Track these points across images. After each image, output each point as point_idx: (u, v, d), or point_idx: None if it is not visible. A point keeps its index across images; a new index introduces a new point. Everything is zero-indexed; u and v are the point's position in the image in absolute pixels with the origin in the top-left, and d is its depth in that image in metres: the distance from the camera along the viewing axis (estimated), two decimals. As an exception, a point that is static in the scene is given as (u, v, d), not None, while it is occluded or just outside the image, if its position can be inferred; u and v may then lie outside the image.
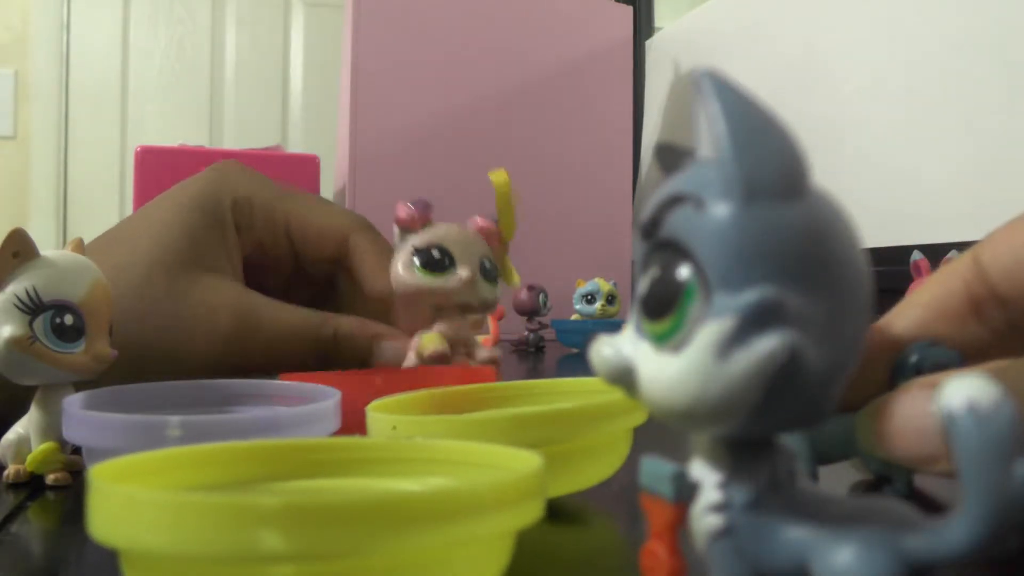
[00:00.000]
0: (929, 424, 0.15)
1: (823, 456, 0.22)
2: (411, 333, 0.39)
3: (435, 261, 0.37)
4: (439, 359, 0.37)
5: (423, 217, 0.38)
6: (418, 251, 0.37)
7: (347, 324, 0.40)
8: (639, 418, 0.25)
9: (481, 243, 0.39)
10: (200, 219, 0.39)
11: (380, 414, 0.24)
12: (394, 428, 0.24)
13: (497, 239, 0.40)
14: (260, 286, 0.41)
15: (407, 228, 0.38)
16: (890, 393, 0.17)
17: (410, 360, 0.38)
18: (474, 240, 0.39)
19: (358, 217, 0.43)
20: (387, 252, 0.39)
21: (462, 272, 0.37)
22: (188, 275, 0.38)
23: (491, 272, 0.39)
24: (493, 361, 0.39)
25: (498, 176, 0.41)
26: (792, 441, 0.22)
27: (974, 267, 0.20)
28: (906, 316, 0.21)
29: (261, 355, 0.38)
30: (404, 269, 0.37)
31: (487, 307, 0.39)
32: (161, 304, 0.37)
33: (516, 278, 0.42)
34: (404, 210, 0.38)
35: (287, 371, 0.38)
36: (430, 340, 0.37)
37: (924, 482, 0.27)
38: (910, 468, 0.18)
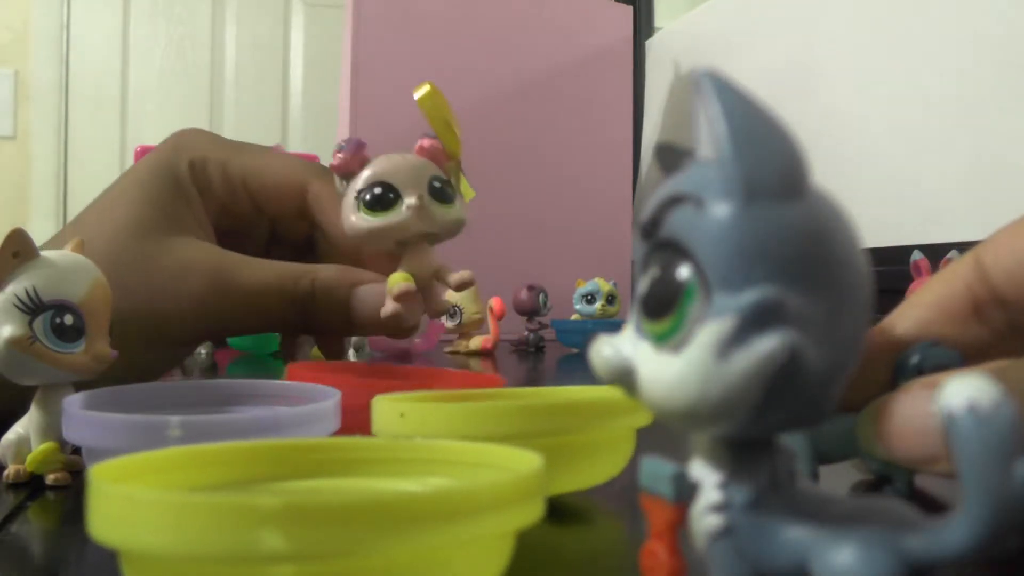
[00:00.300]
0: (930, 424, 0.15)
1: (824, 456, 0.22)
2: (387, 276, 0.37)
3: (379, 198, 0.35)
4: (406, 296, 0.35)
5: (357, 157, 0.36)
6: (360, 192, 0.35)
7: (325, 273, 0.38)
8: (643, 418, 0.25)
9: (427, 165, 0.36)
10: (161, 184, 0.39)
11: (388, 402, 0.24)
12: (402, 415, 0.24)
13: (444, 157, 0.38)
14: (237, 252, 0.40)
15: (345, 173, 0.36)
16: (891, 393, 0.17)
17: (388, 306, 0.36)
18: (418, 164, 0.36)
19: (315, 166, 0.42)
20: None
21: (409, 201, 0.35)
22: (155, 239, 0.37)
23: (443, 192, 0.36)
24: (467, 281, 0.37)
25: (419, 90, 0.39)
26: (793, 441, 0.22)
27: (976, 269, 0.20)
28: (908, 317, 0.21)
29: (238, 313, 0.38)
30: (352, 214, 0.36)
31: (450, 230, 0.37)
32: (131, 269, 0.36)
33: (470, 192, 0.40)
34: (337, 156, 0.36)
35: (266, 328, 0.37)
36: (395, 280, 0.35)
37: (924, 482, 0.27)
38: (910, 468, 0.18)
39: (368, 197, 0.35)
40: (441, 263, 0.37)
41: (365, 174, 0.36)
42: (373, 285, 0.38)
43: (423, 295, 0.37)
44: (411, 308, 0.36)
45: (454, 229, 0.37)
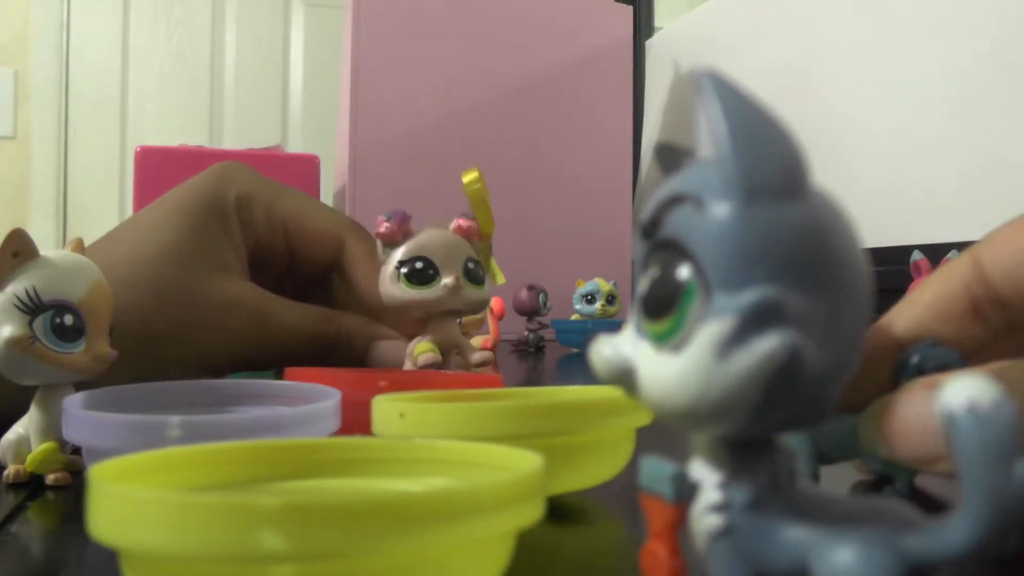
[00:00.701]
0: (931, 424, 0.15)
1: (825, 456, 0.22)
2: (407, 336, 0.40)
3: (419, 272, 0.38)
4: (429, 366, 0.38)
5: (402, 229, 0.39)
6: (402, 264, 0.38)
7: (349, 323, 0.41)
8: (643, 418, 0.25)
9: (464, 245, 0.40)
10: (206, 217, 0.40)
11: (388, 402, 0.25)
12: (402, 415, 0.24)
13: (477, 237, 0.40)
14: (256, 281, 0.41)
15: (389, 242, 0.39)
16: (892, 393, 0.17)
17: (406, 367, 0.39)
18: (456, 243, 0.39)
19: (352, 221, 0.44)
20: (377, 257, 0.40)
21: (447, 280, 0.38)
22: (199, 271, 0.38)
23: (476, 273, 0.40)
24: (486, 362, 0.39)
25: (468, 175, 0.41)
26: (794, 441, 0.22)
27: (974, 268, 0.20)
28: (906, 317, 0.21)
29: (273, 350, 0.40)
30: (391, 283, 0.38)
31: (476, 309, 0.40)
32: (174, 298, 0.37)
33: (500, 277, 0.43)
34: (384, 225, 0.39)
35: (290, 365, 0.39)
36: (422, 349, 0.38)
37: (924, 482, 0.27)
38: (911, 468, 0.18)
39: (408, 271, 0.38)
40: (462, 339, 0.40)
41: (408, 246, 0.39)
42: (392, 342, 0.41)
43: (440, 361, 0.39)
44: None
45: (477, 309, 0.40)
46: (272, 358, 0.40)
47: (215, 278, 0.39)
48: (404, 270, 0.38)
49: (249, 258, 0.42)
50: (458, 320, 0.41)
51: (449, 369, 0.40)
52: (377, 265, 0.39)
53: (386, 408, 0.24)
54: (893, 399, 0.17)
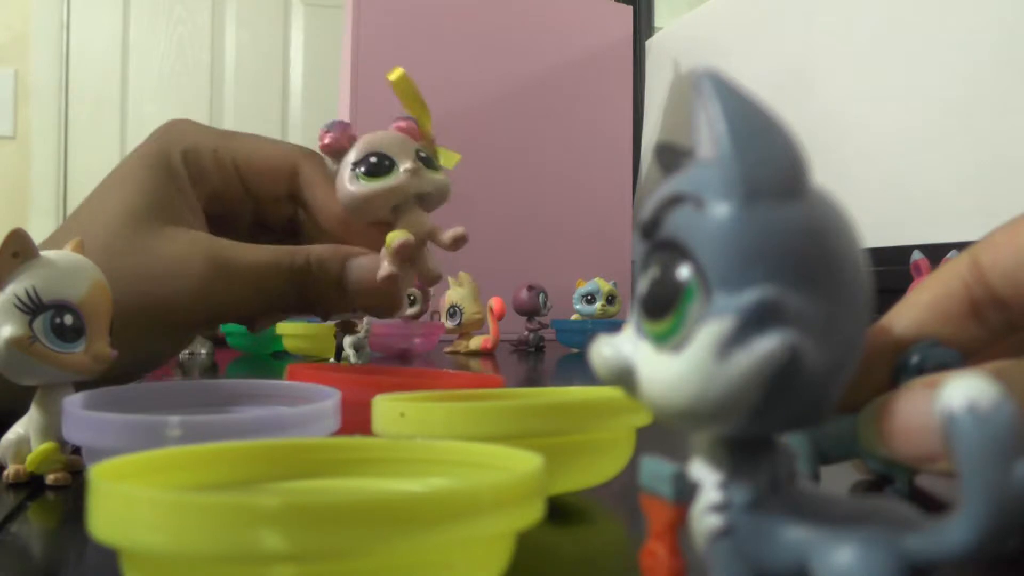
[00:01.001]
0: (930, 423, 0.15)
1: (825, 456, 0.22)
2: (377, 250, 0.39)
3: (375, 165, 0.37)
4: (406, 248, 0.37)
5: (346, 134, 0.38)
6: (357, 163, 0.38)
7: (318, 250, 0.40)
8: (643, 418, 0.25)
9: (411, 140, 0.39)
10: (153, 174, 0.39)
11: (388, 402, 0.25)
12: (402, 415, 0.24)
13: (419, 134, 0.40)
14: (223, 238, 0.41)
15: (336, 151, 0.39)
16: (892, 392, 0.17)
17: (384, 268, 0.37)
18: (403, 138, 0.39)
19: (303, 148, 0.44)
20: (334, 178, 0.39)
21: (406, 165, 0.37)
22: (151, 228, 0.38)
23: (429, 160, 0.39)
24: (460, 238, 0.38)
25: (394, 75, 0.41)
26: (794, 441, 0.22)
27: (974, 269, 0.20)
28: (906, 317, 0.21)
29: (239, 293, 0.39)
30: (351, 183, 0.38)
31: (441, 191, 0.39)
32: (128, 259, 0.37)
33: (454, 157, 0.43)
34: (327, 136, 0.38)
35: (265, 307, 0.39)
36: (394, 234, 0.37)
37: (924, 482, 0.27)
38: (911, 467, 0.18)
39: (364, 167, 0.37)
40: (433, 224, 0.39)
41: (358, 147, 0.38)
42: (367, 256, 0.39)
43: (416, 259, 0.38)
44: (405, 273, 0.38)
45: (444, 192, 0.40)
46: (246, 303, 0.39)
47: (165, 232, 0.38)
48: (361, 168, 0.37)
49: (211, 213, 0.42)
50: (424, 211, 0.40)
51: (424, 263, 0.39)
52: (333, 186, 0.39)
53: (386, 408, 0.24)
54: (892, 398, 0.17)
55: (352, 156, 0.38)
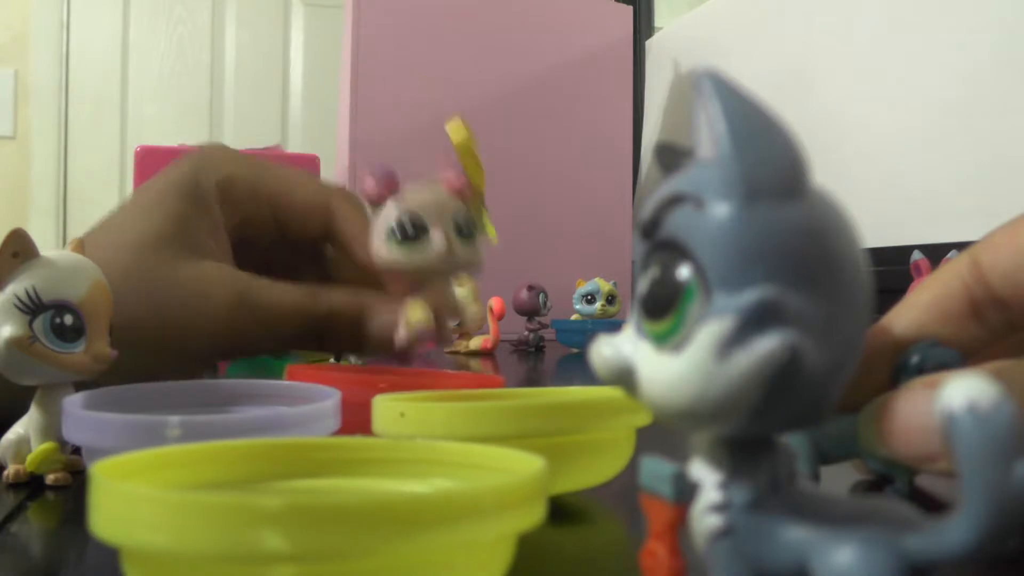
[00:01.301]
0: (931, 423, 0.15)
1: (825, 456, 0.22)
2: (401, 299, 0.39)
3: (407, 232, 0.37)
4: (424, 332, 0.37)
5: (388, 187, 0.38)
6: (390, 223, 0.37)
7: (338, 299, 0.40)
8: (643, 418, 0.25)
9: (453, 201, 0.39)
10: (183, 202, 0.39)
11: (388, 402, 0.25)
12: (402, 415, 0.24)
13: (469, 193, 0.40)
14: (244, 255, 0.41)
15: (376, 201, 0.38)
16: (891, 392, 0.17)
17: (400, 333, 0.38)
18: (445, 200, 0.38)
19: (340, 188, 0.44)
20: (368, 219, 0.39)
21: (436, 239, 0.37)
22: (176, 256, 0.38)
23: (466, 230, 0.38)
24: (479, 317, 0.39)
25: (454, 127, 0.41)
26: (794, 441, 0.22)
27: (974, 269, 0.20)
28: (906, 318, 0.21)
29: (258, 332, 0.39)
30: (381, 244, 0.37)
31: (469, 267, 0.39)
32: (152, 285, 0.37)
33: (493, 234, 0.42)
34: (370, 184, 0.38)
35: (281, 347, 0.38)
36: (416, 317, 0.37)
37: (924, 482, 0.27)
38: (912, 467, 0.18)
39: (398, 232, 0.37)
40: (456, 300, 0.40)
41: (398, 204, 0.38)
42: (387, 309, 0.40)
43: (434, 325, 0.39)
44: (422, 339, 0.39)
45: (473, 266, 0.39)
46: (259, 340, 0.39)
47: (189, 262, 0.38)
48: (392, 230, 0.37)
49: (235, 236, 0.41)
50: (450, 281, 0.41)
51: (441, 329, 0.39)
52: (367, 225, 0.39)
53: (387, 408, 0.24)
54: (892, 398, 0.17)
55: (390, 213, 0.38)
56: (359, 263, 0.41)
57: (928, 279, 0.22)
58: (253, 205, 0.41)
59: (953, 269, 0.21)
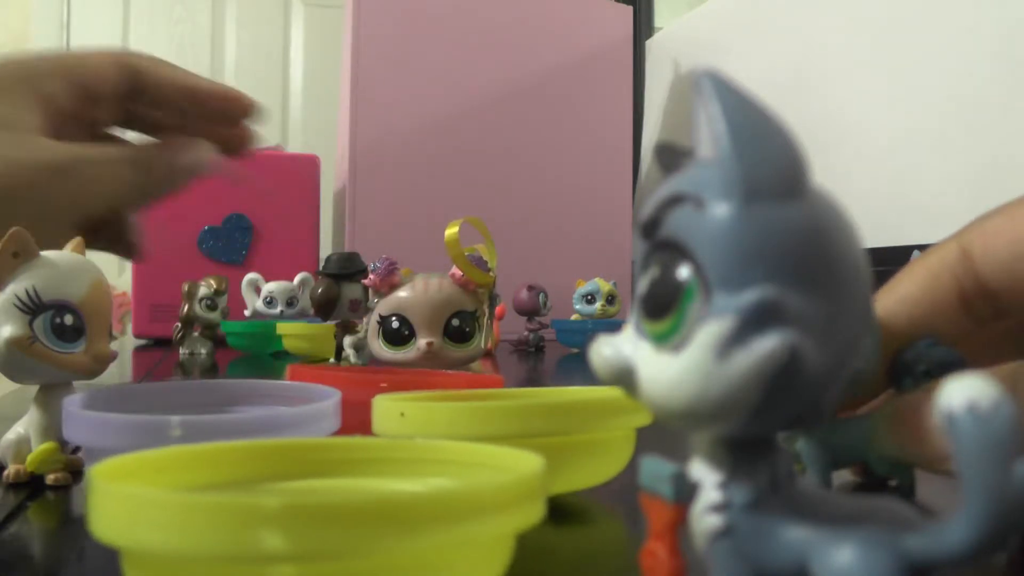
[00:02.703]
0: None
1: (836, 462, 0.22)
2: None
3: (394, 333, 0.39)
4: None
5: (386, 282, 0.39)
6: (381, 320, 0.38)
7: (146, 149, 0.40)
8: (643, 418, 0.25)
9: (453, 299, 0.39)
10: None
11: (389, 401, 0.25)
12: (402, 415, 0.24)
13: (472, 286, 0.40)
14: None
15: (376, 291, 0.39)
16: (911, 395, 0.17)
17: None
18: (441, 300, 0.39)
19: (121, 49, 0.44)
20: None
21: (420, 344, 0.38)
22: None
23: (461, 331, 0.39)
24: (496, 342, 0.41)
25: (447, 232, 0.42)
26: (805, 449, 0.22)
27: (964, 261, 0.20)
28: (897, 312, 0.21)
29: (70, 201, 0.38)
30: (372, 338, 0.39)
31: (462, 366, 0.40)
32: None
33: (494, 262, 0.43)
34: (372, 273, 0.40)
35: (102, 214, 0.38)
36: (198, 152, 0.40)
37: (924, 482, 0.27)
38: (931, 469, 0.18)
39: (386, 329, 0.39)
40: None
41: (388, 302, 0.39)
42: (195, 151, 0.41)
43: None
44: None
45: (465, 364, 0.40)
46: (75, 210, 0.39)
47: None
48: (383, 330, 0.39)
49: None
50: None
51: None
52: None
53: (387, 407, 0.24)
54: (915, 400, 0.17)
55: (382, 306, 0.39)
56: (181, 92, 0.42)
57: (913, 267, 0.22)
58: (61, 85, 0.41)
59: (942, 259, 0.21)
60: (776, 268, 0.13)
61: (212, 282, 0.81)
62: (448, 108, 1.13)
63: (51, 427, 0.28)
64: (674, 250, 0.14)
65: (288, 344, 0.77)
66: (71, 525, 0.25)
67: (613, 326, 0.85)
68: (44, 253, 0.29)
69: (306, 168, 1.10)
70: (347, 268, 0.58)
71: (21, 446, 0.29)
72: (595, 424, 0.25)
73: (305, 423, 0.25)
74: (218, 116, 0.43)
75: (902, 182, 0.87)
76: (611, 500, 0.27)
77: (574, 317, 0.97)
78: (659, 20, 1.45)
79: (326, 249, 1.18)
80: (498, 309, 0.89)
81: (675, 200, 0.14)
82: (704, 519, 0.14)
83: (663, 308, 0.14)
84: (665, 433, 0.18)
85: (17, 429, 0.29)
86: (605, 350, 0.15)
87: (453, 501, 0.14)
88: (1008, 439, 0.11)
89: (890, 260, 0.55)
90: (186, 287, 0.80)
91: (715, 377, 0.13)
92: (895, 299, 0.21)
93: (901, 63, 0.88)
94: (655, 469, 0.15)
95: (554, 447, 0.23)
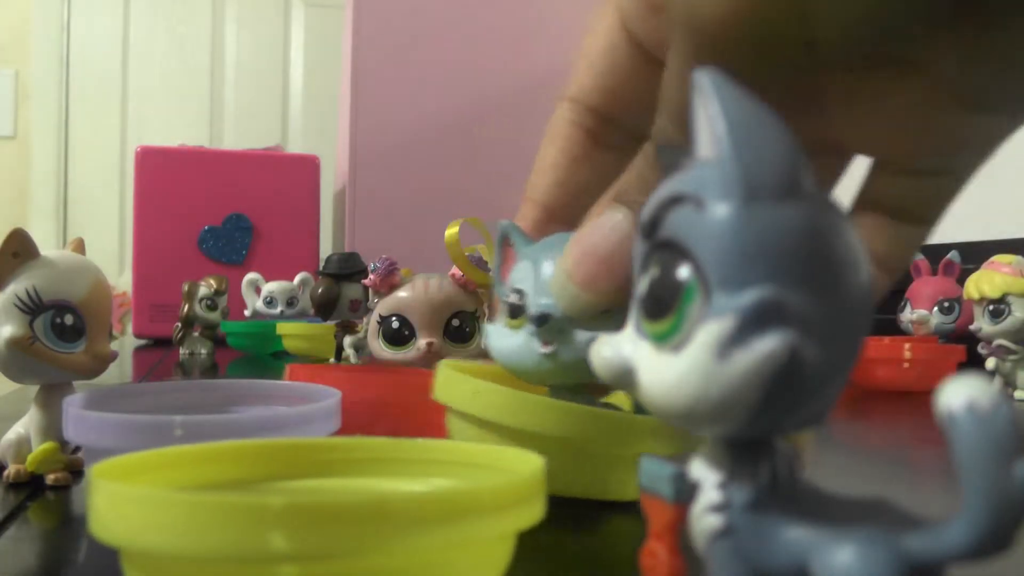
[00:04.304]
0: (613, 241, 0.15)
1: None
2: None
3: (395, 333, 0.38)
4: None
5: (386, 282, 0.39)
6: (381, 321, 0.39)
7: None
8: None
9: (453, 299, 0.39)
10: None
11: (459, 374, 0.25)
12: (476, 393, 0.24)
13: (472, 286, 0.40)
14: None
15: (375, 291, 0.39)
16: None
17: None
18: (441, 301, 0.39)
19: None
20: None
21: (420, 344, 0.38)
22: None
23: (461, 332, 0.39)
24: None
25: (447, 232, 0.42)
26: None
27: (574, 107, 0.21)
28: (543, 186, 0.22)
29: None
30: (372, 338, 0.39)
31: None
32: None
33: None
34: (372, 277, 0.40)
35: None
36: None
37: (924, 480, 0.27)
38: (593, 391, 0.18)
39: (386, 329, 0.39)
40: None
41: (388, 302, 0.39)
42: None
43: None
44: None
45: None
46: None
47: None
48: (383, 330, 0.38)
49: None
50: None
51: None
52: None
53: (456, 380, 0.24)
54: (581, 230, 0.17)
55: (382, 306, 0.39)
56: None
57: (545, 139, 0.22)
58: None
59: (555, 120, 0.22)
60: (776, 268, 0.13)
61: (212, 282, 0.81)
62: (448, 108, 1.13)
63: (51, 427, 0.28)
64: (674, 250, 0.14)
65: (288, 344, 0.77)
66: (71, 525, 0.25)
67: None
68: (44, 253, 0.29)
69: (306, 168, 1.10)
70: (347, 268, 0.58)
71: (21, 446, 0.29)
72: (649, 444, 0.24)
73: (305, 423, 0.25)
74: None
75: (902, 182, 0.87)
76: (611, 500, 0.27)
77: (574, 317, 0.96)
78: (659, 20, 1.45)
79: (326, 249, 1.18)
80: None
81: (675, 200, 0.14)
82: (704, 519, 0.14)
83: (663, 308, 0.14)
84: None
85: (17, 429, 0.29)
86: (605, 350, 0.15)
87: (453, 501, 0.15)
88: (1008, 439, 0.11)
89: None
90: (186, 287, 0.80)
91: (715, 377, 0.13)
92: (537, 175, 0.22)
93: (901, 63, 0.88)
94: (655, 469, 0.15)
95: (611, 456, 0.22)
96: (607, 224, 0.17)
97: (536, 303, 0.23)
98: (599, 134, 0.20)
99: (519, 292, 0.24)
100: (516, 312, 0.24)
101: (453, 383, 0.24)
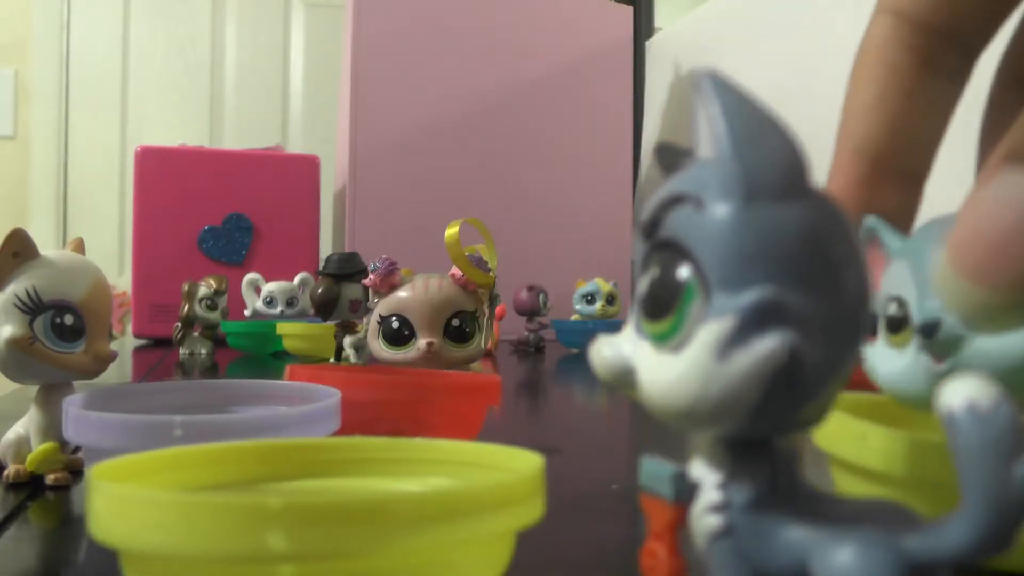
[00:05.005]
0: (1009, 216, 0.12)
1: None
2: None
3: (395, 333, 0.38)
4: None
5: (386, 282, 0.39)
6: (381, 321, 0.39)
7: None
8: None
9: (453, 299, 0.39)
10: None
11: (848, 417, 0.21)
12: (863, 439, 0.21)
13: (472, 287, 0.40)
14: None
15: (375, 291, 0.39)
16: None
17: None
18: (441, 301, 0.39)
19: None
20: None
21: (420, 344, 0.38)
22: None
23: (461, 332, 0.39)
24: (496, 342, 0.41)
25: (447, 232, 0.42)
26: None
27: (901, 23, 0.17)
28: (866, 127, 0.18)
29: None
30: (372, 338, 0.39)
31: (463, 365, 0.40)
32: None
33: (495, 263, 0.43)
34: (372, 277, 0.40)
35: None
36: None
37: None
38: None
39: (386, 329, 0.39)
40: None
41: (388, 301, 0.39)
42: None
43: None
44: None
45: (467, 363, 0.40)
46: None
47: None
48: (383, 330, 0.38)
49: None
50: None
51: None
52: None
53: (843, 426, 0.21)
54: (960, 216, 0.14)
55: (382, 306, 0.39)
56: None
57: (860, 66, 0.19)
58: None
59: (872, 42, 0.18)
60: (776, 268, 0.13)
61: (212, 282, 0.81)
62: (448, 108, 1.13)
63: (51, 427, 0.28)
64: (674, 250, 0.14)
65: (288, 344, 0.77)
66: (71, 525, 0.25)
67: (613, 326, 0.85)
68: (44, 253, 0.29)
69: (306, 168, 1.10)
70: (347, 268, 0.58)
71: (21, 446, 0.29)
72: None
73: (305, 423, 0.25)
74: None
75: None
76: (611, 500, 0.27)
77: (574, 317, 0.97)
78: (659, 20, 1.45)
79: (326, 249, 1.18)
80: (498, 309, 0.89)
81: (675, 200, 0.14)
82: (704, 519, 0.14)
83: (663, 308, 0.14)
84: (665, 433, 0.18)
85: (17, 429, 0.29)
86: (605, 350, 0.15)
87: (453, 501, 0.14)
88: (1008, 439, 0.11)
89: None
90: (186, 287, 0.80)
91: (715, 377, 0.13)
92: (864, 109, 0.18)
93: (901, 63, 0.88)
94: (655, 469, 0.15)
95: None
96: (1001, 194, 0.13)
97: (922, 309, 0.19)
98: (933, 57, 0.17)
99: (897, 300, 0.20)
100: (897, 325, 0.20)
101: (838, 431, 0.21)
